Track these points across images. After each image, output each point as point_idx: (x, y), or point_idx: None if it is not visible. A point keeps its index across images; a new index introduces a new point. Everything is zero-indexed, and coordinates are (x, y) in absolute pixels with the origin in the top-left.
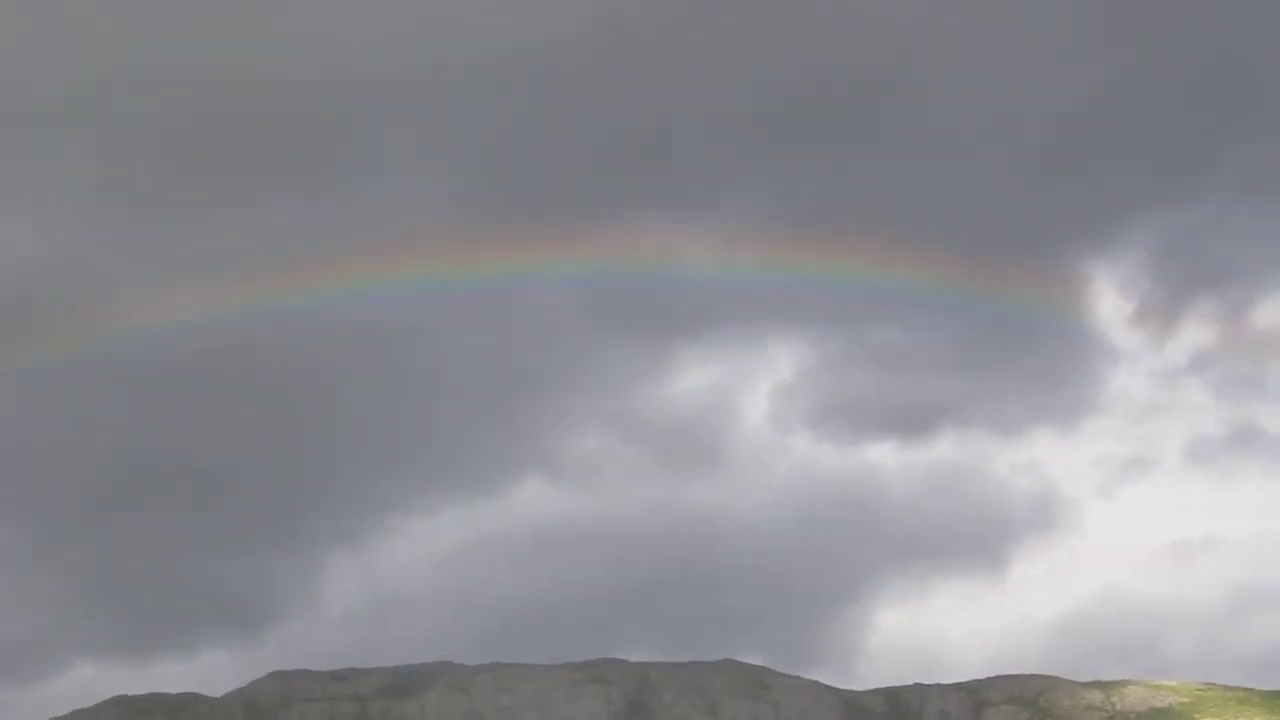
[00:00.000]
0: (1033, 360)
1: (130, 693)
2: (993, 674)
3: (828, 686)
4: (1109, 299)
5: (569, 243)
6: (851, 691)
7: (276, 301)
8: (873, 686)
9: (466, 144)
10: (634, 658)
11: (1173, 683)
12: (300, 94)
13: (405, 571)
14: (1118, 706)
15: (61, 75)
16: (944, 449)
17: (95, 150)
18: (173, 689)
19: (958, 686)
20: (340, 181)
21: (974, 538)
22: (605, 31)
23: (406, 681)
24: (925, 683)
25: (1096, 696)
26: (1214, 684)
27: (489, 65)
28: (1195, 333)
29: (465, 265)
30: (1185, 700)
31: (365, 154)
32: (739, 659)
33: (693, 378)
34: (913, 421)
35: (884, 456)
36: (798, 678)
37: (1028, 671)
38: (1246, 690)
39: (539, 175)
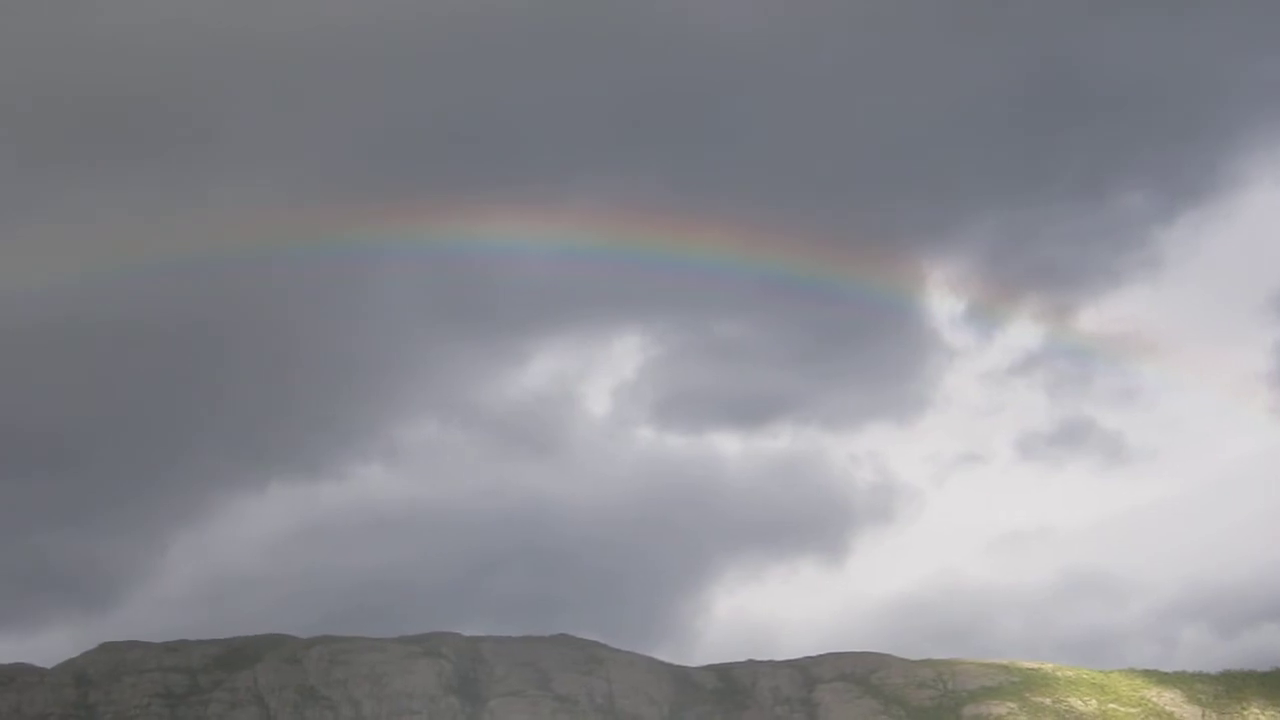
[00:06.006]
0: (870, 356)
1: None
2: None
3: (661, 662)
4: (944, 296)
5: (416, 224)
6: (684, 668)
7: (118, 273)
8: (706, 663)
9: (307, 126)
10: (467, 632)
11: (1003, 661)
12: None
13: (242, 549)
14: (949, 685)
15: None
16: (784, 441)
17: None
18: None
19: (790, 663)
20: (186, 156)
21: (811, 525)
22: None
23: (239, 654)
24: (758, 660)
25: (928, 674)
26: (1044, 664)
27: (341, 51)
28: (1025, 331)
29: (309, 243)
30: (1015, 679)
31: (211, 132)
32: (573, 635)
33: (537, 368)
34: (754, 414)
35: (726, 446)
36: (631, 653)
37: (860, 650)
38: (1075, 669)
39: (388, 159)
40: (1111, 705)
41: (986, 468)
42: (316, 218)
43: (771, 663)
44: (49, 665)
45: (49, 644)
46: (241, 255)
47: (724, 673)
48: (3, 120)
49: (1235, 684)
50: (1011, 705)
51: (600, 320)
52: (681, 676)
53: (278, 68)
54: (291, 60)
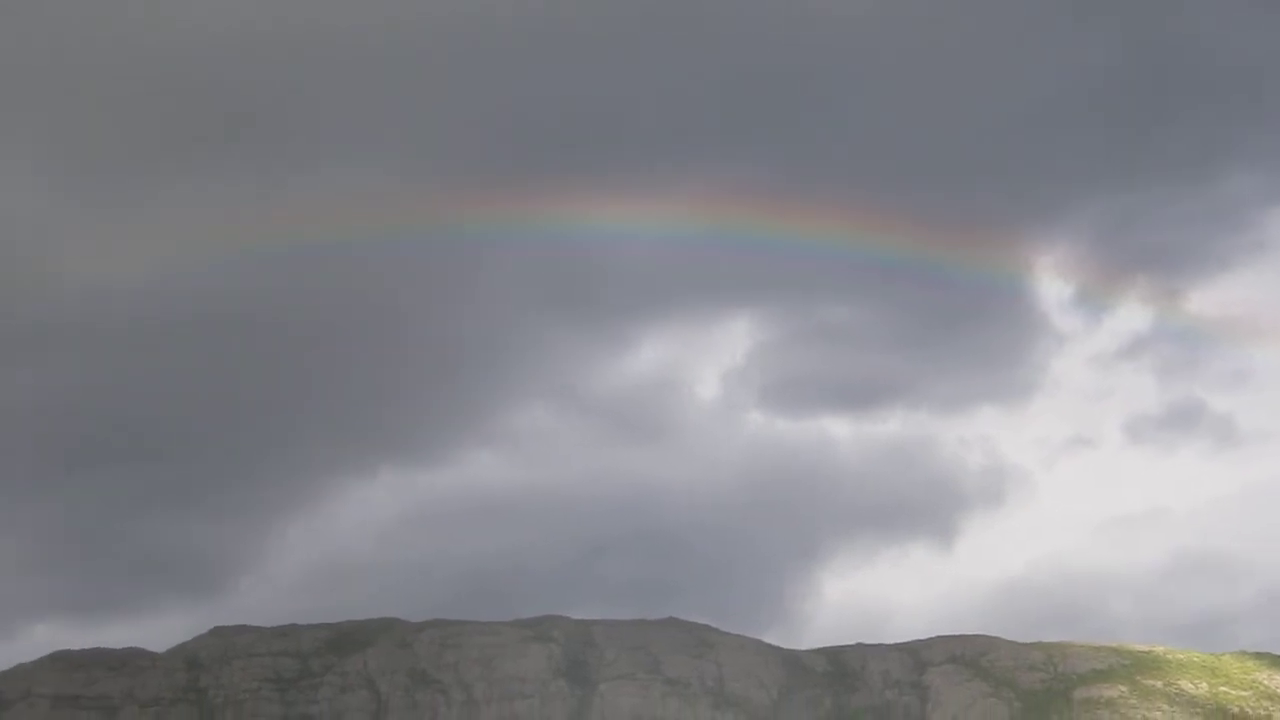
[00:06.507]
0: (979, 340)
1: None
2: (935, 636)
3: (771, 645)
4: (1052, 281)
5: (526, 211)
6: (794, 651)
7: (224, 266)
8: (816, 647)
9: (416, 114)
10: (577, 616)
11: (1114, 644)
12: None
13: (352, 534)
14: (1059, 667)
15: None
16: (894, 425)
17: (45, 123)
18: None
19: (900, 647)
20: (299, 147)
21: (920, 509)
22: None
23: (349, 638)
24: (868, 643)
25: (1038, 657)
26: (1155, 646)
27: (453, 43)
28: (1134, 315)
29: (417, 230)
30: (1126, 662)
31: (325, 123)
32: (683, 618)
33: (646, 353)
34: (863, 398)
35: (836, 430)
36: (741, 636)
37: (970, 633)
38: (1186, 652)
39: (498, 145)
40: (1223, 688)
41: (1096, 451)
42: (427, 206)
43: (881, 646)
44: (161, 650)
45: (161, 628)
46: (353, 243)
47: (834, 656)
48: (108, 117)
49: None
50: (1122, 688)
51: (709, 305)
52: (791, 660)
53: (390, 59)
54: (403, 51)
